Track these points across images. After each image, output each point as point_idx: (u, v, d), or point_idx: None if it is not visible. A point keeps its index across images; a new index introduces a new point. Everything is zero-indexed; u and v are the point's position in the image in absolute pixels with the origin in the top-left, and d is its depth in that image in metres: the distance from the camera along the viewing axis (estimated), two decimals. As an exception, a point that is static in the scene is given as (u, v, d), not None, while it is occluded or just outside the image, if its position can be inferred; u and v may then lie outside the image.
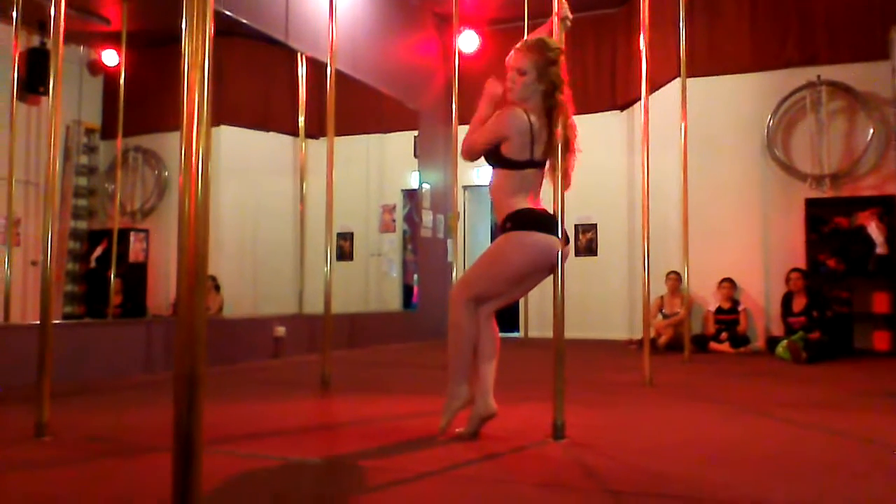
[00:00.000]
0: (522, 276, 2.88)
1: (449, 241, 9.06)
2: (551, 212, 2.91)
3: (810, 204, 7.19)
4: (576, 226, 8.86)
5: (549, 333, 2.96)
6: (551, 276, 2.93)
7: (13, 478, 2.32)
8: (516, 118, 2.86)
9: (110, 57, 7.75)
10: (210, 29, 1.49)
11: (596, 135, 8.74)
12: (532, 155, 2.87)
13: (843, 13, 7.29)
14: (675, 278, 7.30)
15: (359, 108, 8.56)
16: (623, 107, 8.83)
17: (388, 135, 9.00)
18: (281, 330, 6.43)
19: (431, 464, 2.47)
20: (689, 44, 6.40)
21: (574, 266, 8.54)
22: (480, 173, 9.40)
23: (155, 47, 8.00)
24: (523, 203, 2.87)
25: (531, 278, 2.95)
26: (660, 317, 7.35)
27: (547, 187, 2.97)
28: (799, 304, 6.83)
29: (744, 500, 2.03)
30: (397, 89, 8.39)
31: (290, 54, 7.24)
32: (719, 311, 7.30)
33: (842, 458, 2.62)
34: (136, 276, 8.11)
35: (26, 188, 7.09)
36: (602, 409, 3.69)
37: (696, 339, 6.90)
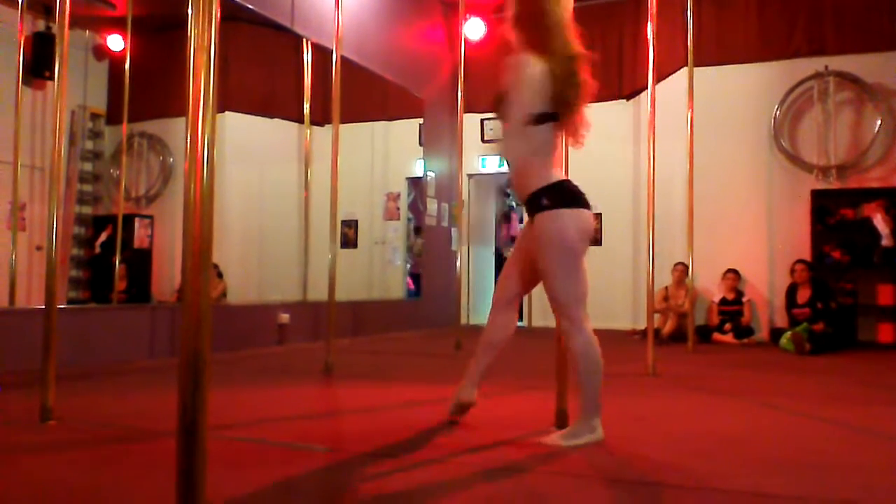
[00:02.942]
0: (581, 259, 2.62)
1: (453, 230, 9.05)
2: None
3: (816, 195, 7.17)
4: (580, 215, 8.84)
5: (553, 323, 2.95)
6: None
7: (19, 461, 2.34)
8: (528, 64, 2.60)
9: (116, 42, 7.73)
10: (216, 13, 1.49)
11: (601, 124, 8.62)
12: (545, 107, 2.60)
13: (852, 3, 7.24)
14: (681, 269, 7.29)
15: (364, 95, 8.54)
16: (629, 96, 8.79)
17: (393, 122, 8.97)
18: (285, 317, 6.44)
19: (435, 451, 2.47)
20: (696, 33, 6.36)
21: (578, 256, 8.53)
22: (486, 162, 9.38)
23: (160, 32, 7.97)
24: (555, 173, 2.64)
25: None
26: (663, 305, 7.35)
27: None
28: (803, 295, 6.82)
29: (745, 490, 2.03)
30: (403, 76, 8.36)
31: (296, 40, 7.21)
32: (723, 302, 7.29)
33: (844, 450, 2.62)
34: (140, 261, 8.12)
35: (32, 173, 7.09)
36: (605, 398, 3.68)
37: (699, 330, 6.89)
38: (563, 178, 2.67)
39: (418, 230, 9.02)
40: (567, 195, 2.60)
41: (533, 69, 2.57)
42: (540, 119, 2.59)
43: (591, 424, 2.57)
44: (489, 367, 2.92)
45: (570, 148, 3.03)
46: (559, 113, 2.60)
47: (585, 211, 2.62)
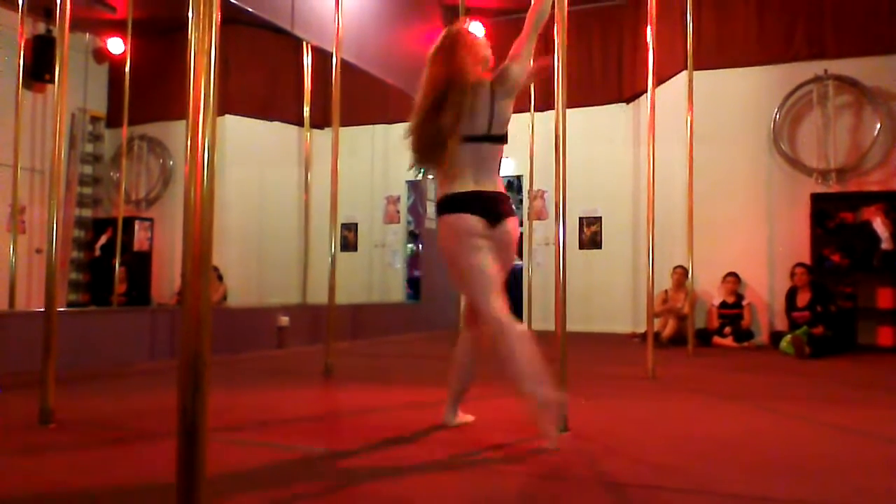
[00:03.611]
0: (465, 257, 2.65)
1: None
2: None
3: (816, 198, 7.17)
4: (580, 218, 8.86)
5: (552, 326, 2.96)
6: (554, 268, 2.92)
7: (18, 464, 2.34)
8: None
9: (116, 45, 7.75)
10: (216, 16, 1.49)
11: (601, 127, 8.73)
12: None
13: (851, 7, 7.24)
14: (681, 272, 7.28)
15: (364, 98, 8.56)
16: (629, 99, 8.80)
17: (394, 125, 8.99)
18: (284, 320, 6.44)
19: (434, 453, 2.48)
20: (696, 36, 6.37)
21: (578, 259, 8.54)
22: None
23: (160, 35, 7.99)
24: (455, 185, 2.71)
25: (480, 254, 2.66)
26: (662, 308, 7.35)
27: (550, 178, 2.92)
28: (803, 298, 6.82)
29: (745, 493, 2.04)
30: (403, 79, 8.35)
31: (296, 44, 7.23)
32: (723, 305, 7.28)
33: (844, 453, 2.62)
34: (140, 264, 8.13)
35: (32, 176, 7.09)
36: (604, 401, 3.69)
37: (699, 334, 6.89)
38: (458, 189, 2.69)
39: (415, 235, 9.03)
40: (449, 203, 2.70)
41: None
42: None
43: (542, 402, 2.49)
44: (463, 389, 2.91)
45: (567, 150, 3.04)
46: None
47: (464, 214, 2.65)
